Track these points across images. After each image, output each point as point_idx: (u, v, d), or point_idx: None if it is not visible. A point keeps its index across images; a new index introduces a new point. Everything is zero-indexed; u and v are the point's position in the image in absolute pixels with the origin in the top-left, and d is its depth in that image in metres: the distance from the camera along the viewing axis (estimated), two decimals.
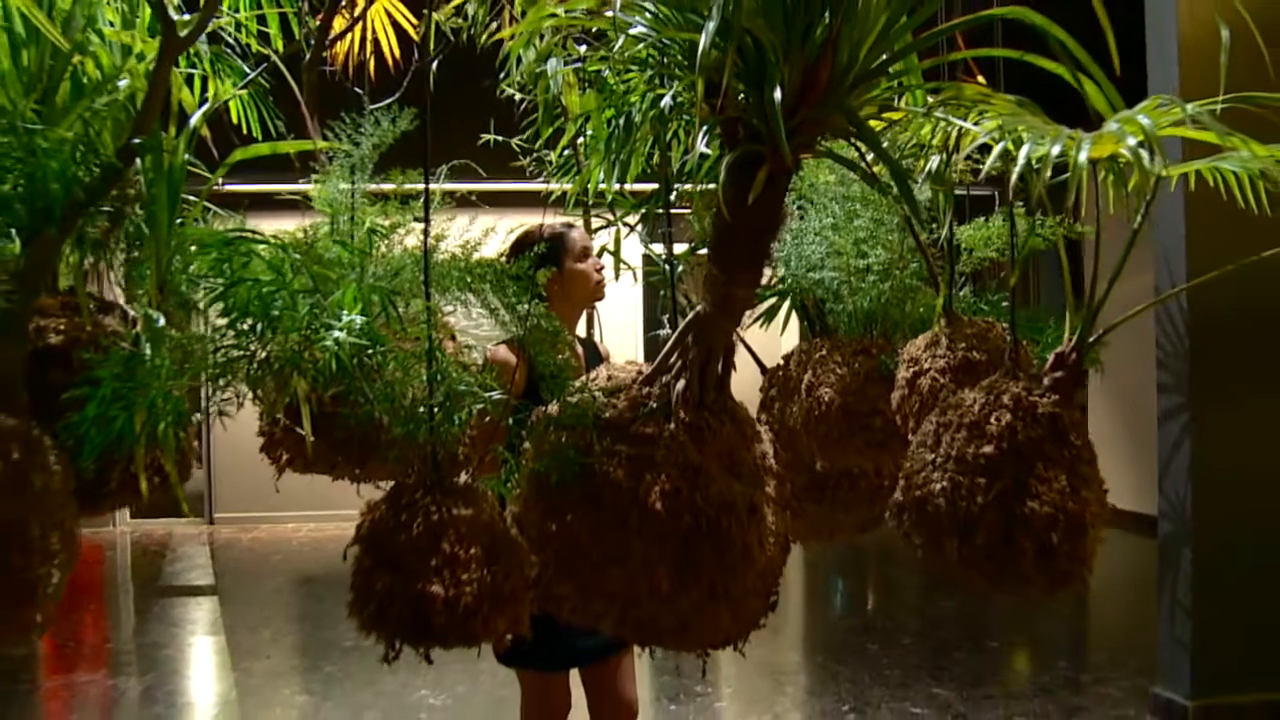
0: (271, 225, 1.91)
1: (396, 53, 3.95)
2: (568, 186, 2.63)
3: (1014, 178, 1.35)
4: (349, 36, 3.56)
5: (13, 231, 1.73)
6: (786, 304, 2.70)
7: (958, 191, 2.48)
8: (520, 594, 1.47)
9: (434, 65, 2.03)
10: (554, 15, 1.71)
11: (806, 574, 8.11)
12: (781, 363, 2.56)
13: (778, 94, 1.28)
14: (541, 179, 2.73)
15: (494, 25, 3.35)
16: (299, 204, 2.27)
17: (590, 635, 2.50)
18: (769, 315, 2.74)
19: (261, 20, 2.42)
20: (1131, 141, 1.31)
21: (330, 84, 3.34)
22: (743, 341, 2.81)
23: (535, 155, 2.61)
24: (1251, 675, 3.99)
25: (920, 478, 1.80)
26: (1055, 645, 5.69)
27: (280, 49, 2.44)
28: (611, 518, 1.53)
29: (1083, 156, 1.32)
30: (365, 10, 3.09)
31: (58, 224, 1.63)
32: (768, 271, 2.65)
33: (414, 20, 3.99)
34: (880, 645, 5.55)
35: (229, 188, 2.16)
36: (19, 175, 1.61)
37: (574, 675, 2.69)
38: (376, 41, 3.68)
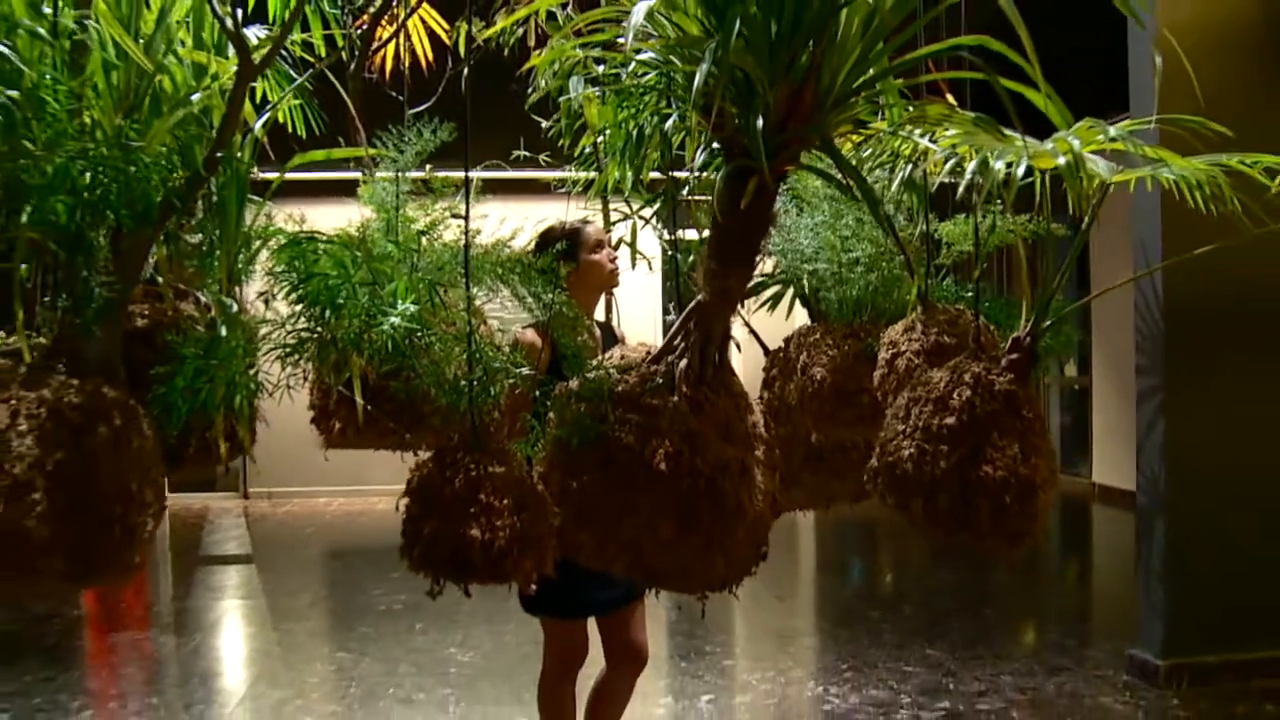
0: (318, 209, 2.15)
1: (430, 56, 4.16)
2: (593, 175, 2.84)
3: (961, 188, 1.56)
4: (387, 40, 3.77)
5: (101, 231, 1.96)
6: (790, 291, 2.91)
7: (946, 183, 2.69)
8: (544, 539, 1.70)
9: (467, 70, 2.25)
10: (576, 34, 1.93)
11: (815, 548, 8.34)
12: (782, 345, 2.78)
13: (760, 122, 1.49)
14: (564, 170, 2.95)
15: (520, 31, 3.57)
16: (345, 190, 2.49)
17: (604, 589, 2.73)
18: (774, 301, 2.95)
19: (306, 26, 2.64)
20: (1061, 160, 1.51)
21: (370, 85, 3.55)
22: (748, 326, 3.05)
23: (560, 177, 2.82)
24: (1218, 637, 4.21)
25: (892, 445, 2.01)
26: (1048, 614, 5.88)
27: (324, 55, 2.66)
28: (622, 477, 1.75)
29: (1020, 170, 1.53)
30: (405, 21, 3.30)
31: (153, 224, 1.87)
32: (769, 262, 2.87)
33: (446, 25, 4.19)
34: (881, 612, 5.77)
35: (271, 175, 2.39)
36: (119, 183, 1.84)
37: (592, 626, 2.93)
38: (412, 47, 3.89)
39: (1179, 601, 4.18)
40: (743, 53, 1.51)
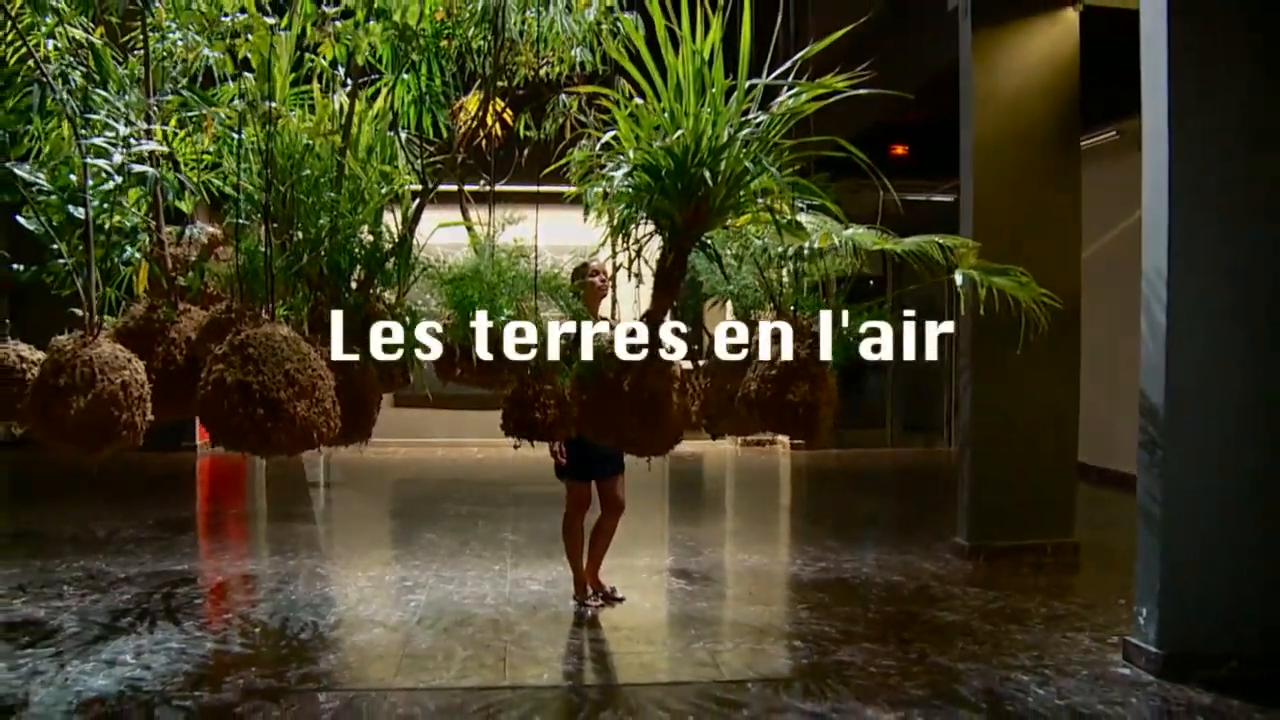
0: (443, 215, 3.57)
1: (499, 133, 5.54)
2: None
3: (776, 263, 2.96)
4: (471, 123, 5.14)
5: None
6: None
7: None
8: (569, 421, 3.12)
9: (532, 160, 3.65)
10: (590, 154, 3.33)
11: (783, 487, 9.71)
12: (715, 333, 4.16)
13: (670, 232, 2.90)
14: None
15: (562, 120, 4.94)
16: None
17: (602, 465, 4.15)
18: (720, 303, 4.29)
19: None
20: (807, 250, 2.92)
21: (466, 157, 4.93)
22: (702, 326, 4.44)
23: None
24: (1004, 527, 5.60)
25: (746, 384, 3.42)
26: (927, 526, 7.18)
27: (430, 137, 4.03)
28: (609, 393, 3.13)
29: (789, 251, 2.94)
30: (493, 126, 4.67)
31: (379, 265, 3.29)
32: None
33: (512, 112, 5.57)
34: (808, 523, 7.15)
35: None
36: (362, 248, 3.25)
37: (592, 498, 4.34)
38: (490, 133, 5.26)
39: (978, 504, 5.59)
40: (662, 199, 2.91)
